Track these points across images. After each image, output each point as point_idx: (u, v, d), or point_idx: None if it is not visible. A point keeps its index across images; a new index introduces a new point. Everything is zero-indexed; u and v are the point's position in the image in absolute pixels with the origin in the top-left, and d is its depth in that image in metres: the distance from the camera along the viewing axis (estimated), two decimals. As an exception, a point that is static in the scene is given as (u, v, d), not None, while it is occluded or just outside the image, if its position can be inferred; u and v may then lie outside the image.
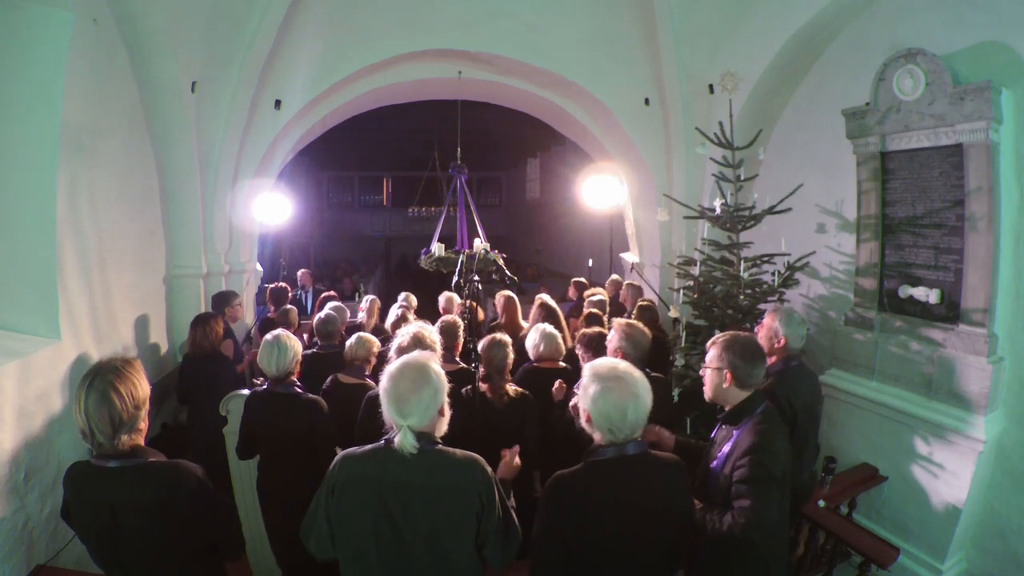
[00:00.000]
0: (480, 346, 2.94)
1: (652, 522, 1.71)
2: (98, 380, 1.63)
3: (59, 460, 2.59)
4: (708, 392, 2.16)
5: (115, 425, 1.63)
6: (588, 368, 1.81)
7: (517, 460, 2.01)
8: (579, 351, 3.20)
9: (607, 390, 1.69)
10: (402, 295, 5.15)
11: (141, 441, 1.75)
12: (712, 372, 2.12)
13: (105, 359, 1.72)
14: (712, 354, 2.13)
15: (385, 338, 3.64)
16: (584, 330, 3.30)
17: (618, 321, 3.06)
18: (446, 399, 1.71)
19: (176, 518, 1.69)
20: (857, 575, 3.00)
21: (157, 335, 4.21)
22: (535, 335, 3.39)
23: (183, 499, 1.70)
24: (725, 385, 2.08)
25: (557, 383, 3.02)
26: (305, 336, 4.78)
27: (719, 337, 2.15)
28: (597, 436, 1.75)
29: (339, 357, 3.48)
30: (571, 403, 2.97)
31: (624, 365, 1.78)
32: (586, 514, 1.68)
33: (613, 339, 2.94)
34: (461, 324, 3.40)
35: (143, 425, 1.74)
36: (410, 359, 1.72)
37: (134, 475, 1.67)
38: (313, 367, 3.48)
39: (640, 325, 2.98)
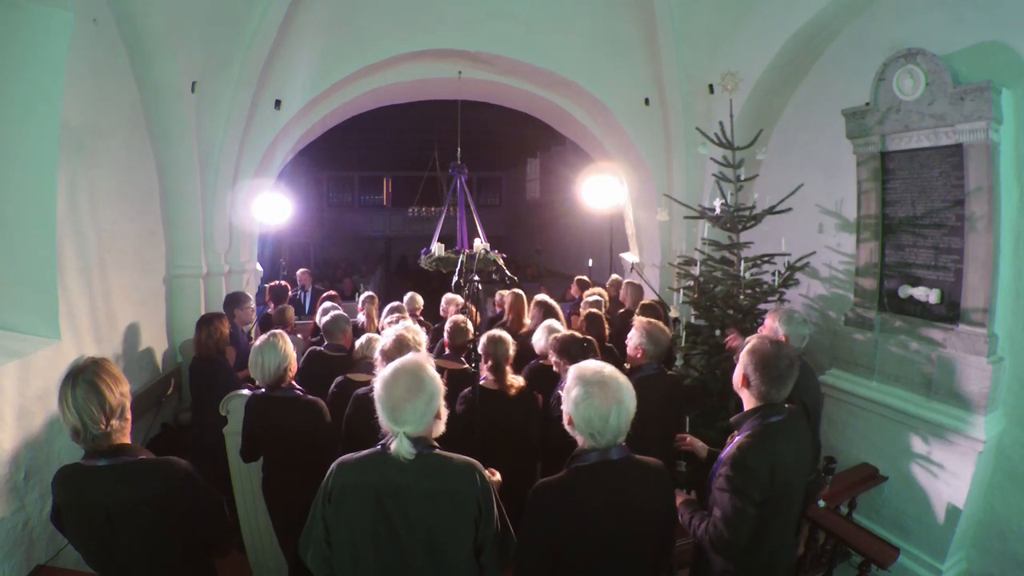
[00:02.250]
0: (481, 343, 2.95)
1: (637, 527, 1.68)
2: (83, 375, 1.66)
3: (59, 460, 2.59)
4: (733, 380, 2.07)
5: (107, 412, 1.65)
6: (573, 370, 1.76)
7: (498, 476, 2.00)
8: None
9: (590, 395, 1.65)
10: (407, 296, 5.13)
11: (128, 438, 1.76)
12: (737, 366, 2.03)
13: (81, 360, 1.71)
14: (742, 350, 2.02)
15: None
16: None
17: (639, 319, 3.09)
18: (442, 402, 1.68)
19: (168, 514, 1.70)
20: (857, 575, 2.99)
21: (157, 335, 4.21)
22: (541, 333, 3.39)
23: (175, 495, 1.70)
24: (739, 385, 2.02)
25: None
26: (299, 336, 4.76)
27: (753, 337, 2.03)
28: (580, 440, 1.72)
29: (344, 360, 3.46)
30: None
31: (610, 369, 1.73)
32: (571, 521, 1.64)
33: (634, 336, 2.98)
34: (471, 324, 3.41)
35: (130, 415, 1.76)
36: (404, 363, 1.67)
37: (125, 473, 1.67)
38: (317, 368, 3.46)
39: (661, 324, 3.02)
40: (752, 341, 2.02)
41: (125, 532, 1.66)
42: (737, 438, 1.96)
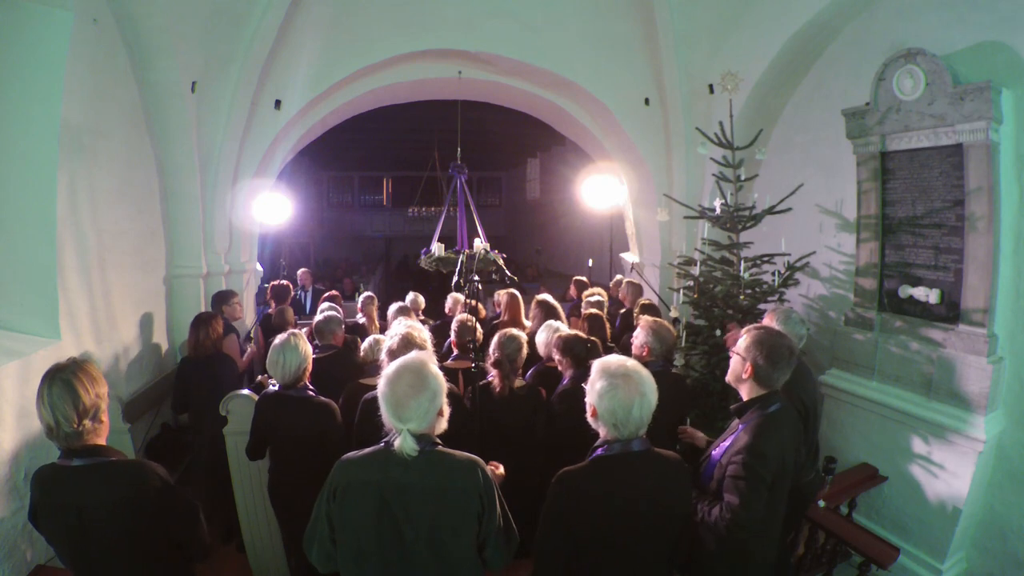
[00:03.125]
0: (493, 342, 2.96)
1: (656, 518, 1.72)
2: (60, 374, 1.68)
3: (59, 460, 2.60)
4: (728, 376, 2.14)
5: (80, 412, 1.66)
6: (598, 364, 1.82)
7: (501, 470, 2.02)
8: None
9: (614, 387, 1.70)
10: (409, 296, 5.12)
11: (103, 438, 1.77)
12: (736, 359, 2.09)
13: (62, 361, 1.74)
14: (742, 342, 2.09)
15: None
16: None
17: (646, 318, 3.13)
18: (445, 399, 1.70)
19: (140, 516, 1.70)
20: (857, 575, 3.00)
21: (157, 335, 4.21)
22: (545, 334, 3.37)
23: (147, 497, 1.71)
24: (744, 376, 2.05)
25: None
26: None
27: (754, 327, 2.11)
28: (603, 432, 1.76)
29: (338, 359, 3.44)
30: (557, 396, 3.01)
31: (632, 363, 1.79)
32: (591, 509, 1.69)
33: (640, 335, 3.03)
34: (477, 322, 3.40)
35: (105, 418, 1.77)
36: (407, 361, 1.69)
37: (99, 473, 1.68)
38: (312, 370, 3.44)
39: (666, 322, 3.05)
40: (752, 333, 2.07)
41: (96, 532, 1.67)
42: (741, 427, 2.00)
